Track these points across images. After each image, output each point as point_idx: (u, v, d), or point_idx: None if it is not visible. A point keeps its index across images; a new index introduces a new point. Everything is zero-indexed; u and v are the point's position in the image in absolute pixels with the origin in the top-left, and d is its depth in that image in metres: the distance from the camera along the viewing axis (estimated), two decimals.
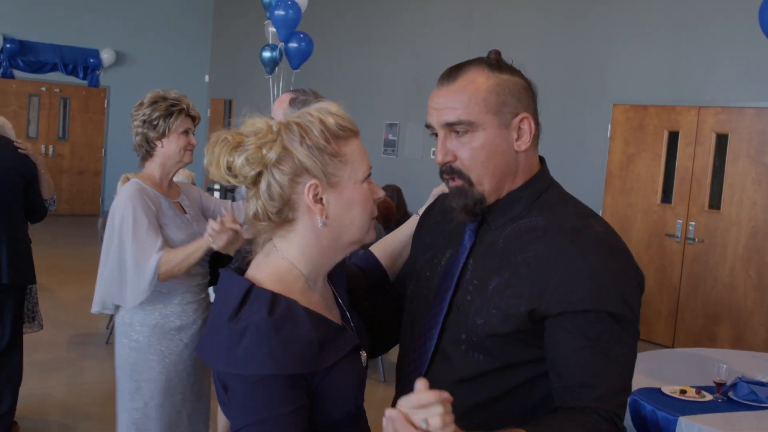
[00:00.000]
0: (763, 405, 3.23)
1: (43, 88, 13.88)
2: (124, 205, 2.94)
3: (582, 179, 7.64)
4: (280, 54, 8.68)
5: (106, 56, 13.86)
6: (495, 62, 1.59)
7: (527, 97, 1.59)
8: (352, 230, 1.51)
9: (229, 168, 1.45)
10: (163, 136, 3.04)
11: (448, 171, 1.61)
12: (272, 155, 1.43)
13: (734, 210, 6.87)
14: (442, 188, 1.88)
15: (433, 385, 1.52)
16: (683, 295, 7.21)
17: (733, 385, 3.33)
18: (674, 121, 7.32)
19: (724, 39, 6.91)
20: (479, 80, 1.56)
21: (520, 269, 1.53)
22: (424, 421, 1.20)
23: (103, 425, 4.89)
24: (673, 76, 7.34)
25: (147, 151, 3.10)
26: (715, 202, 7.07)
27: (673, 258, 7.31)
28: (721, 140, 7.01)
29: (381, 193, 1.55)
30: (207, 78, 15.01)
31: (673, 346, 7.01)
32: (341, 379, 1.45)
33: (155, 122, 3.03)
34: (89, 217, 14.19)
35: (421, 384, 1.23)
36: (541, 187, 1.63)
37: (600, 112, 7.80)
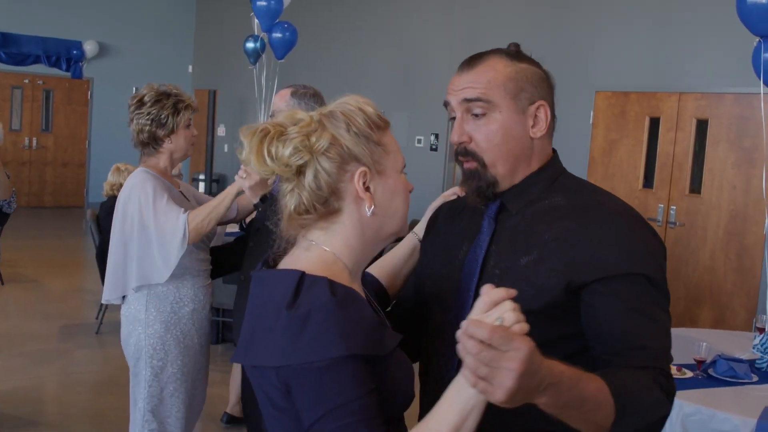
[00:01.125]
0: (741, 381, 3.33)
1: (26, 81, 13.82)
2: (141, 188, 2.97)
3: (565, 165, 7.71)
4: (263, 45, 8.70)
5: (89, 48, 13.81)
6: (514, 52, 1.66)
7: (545, 86, 1.65)
8: (395, 220, 1.49)
9: (273, 157, 1.40)
10: (171, 132, 3.08)
11: (463, 152, 1.64)
12: (323, 143, 1.40)
13: (714, 194, 6.99)
14: (440, 201, 1.93)
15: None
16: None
17: (713, 363, 3.43)
18: (655, 107, 7.42)
19: (704, 26, 7.01)
20: (499, 66, 1.61)
21: (549, 245, 1.55)
22: (498, 319, 1.17)
23: (96, 413, 4.96)
24: (654, 64, 7.43)
25: (153, 147, 3.11)
26: (695, 187, 7.18)
27: None
28: (702, 126, 7.12)
29: (411, 186, 1.56)
30: (191, 69, 14.99)
31: None
32: (398, 369, 1.40)
33: (164, 120, 3.05)
34: (74, 209, 14.19)
35: (488, 287, 1.21)
36: (555, 172, 1.69)
37: (582, 99, 7.89)
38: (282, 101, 3.07)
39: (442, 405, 1.25)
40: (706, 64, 7.02)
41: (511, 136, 1.61)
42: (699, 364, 3.41)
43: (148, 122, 3.05)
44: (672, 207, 7.29)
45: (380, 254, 2.10)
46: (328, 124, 1.42)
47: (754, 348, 3.65)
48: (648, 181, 7.52)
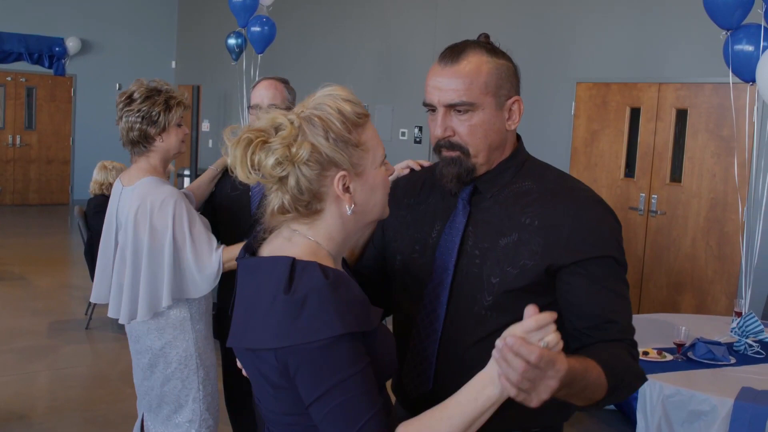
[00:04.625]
0: (719, 363, 3.43)
1: (9, 78, 13.76)
2: (174, 203, 2.83)
3: (548, 156, 7.75)
4: (244, 40, 8.72)
5: (72, 44, 13.76)
6: (491, 46, 1.76)
7: (516, 80, 1.80)
8: (375, 211, 1.59)
9: (256, 167, 1.46)
10: (163, 130, 2.95)
11: (447, 145, 1.75)
12: (303, 153, 1.46)
13: (695, 182, 7.09)
14: (396, 173, 2.01)
15: (449, 349, 1.72)
16: (647, 265, 7.44)
17: (692, 346, 3.53)
18: (636, 97, 7.51)
19: (682, 17, 7.10)
20: (480, 64, 1.72)
21: (528, 228, 1.71)
22: (543, 341, 1.31)
23: (87, 408, 5.00)
24: (634, 55, 7.52)
25: (144, 146, 2.97)
26: (676, 176, 7.28)
27: (637, 230, 7.53)
28: (681, 115, 7.22)
29: (393, 168, 1.67)
30: (173, 65, 14.98)
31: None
32: (383, 341, 1.50)
33: (155, 117, 2.92)
34: (59, 206, 14.16)
35: (533, 309, 1.34)
36: (522, 157, 1.84)
37: (564, 90, 7.97)
38: (279, 94, 3.14)
39: (465, 396, 1.39)
40: (685, 54, 7.12)
41: (492, 130, 1.75)
42: (679, 348, 3.51)
43: (139, 120, 2.92)
44: (653, 196, 7.39)
45: None
46: (308, 130, 1.48)
47: (731, 331, 3.75)
48: (629, 170, 7.62)
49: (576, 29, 8.01)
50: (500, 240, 1.72)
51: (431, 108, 1.76)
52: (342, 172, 1.49)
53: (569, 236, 1.68)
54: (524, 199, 1.75)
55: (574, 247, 1.67)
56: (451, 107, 1.72)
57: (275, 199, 1.51)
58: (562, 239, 1.68)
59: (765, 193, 4.23)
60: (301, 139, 1.47)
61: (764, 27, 4.00)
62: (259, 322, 1.44)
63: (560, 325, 1.64)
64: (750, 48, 4.05)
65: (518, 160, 1.82)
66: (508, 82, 1.76)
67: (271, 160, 1.45)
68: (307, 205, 1.50)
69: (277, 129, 1.48)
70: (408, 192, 1.94)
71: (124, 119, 2.95)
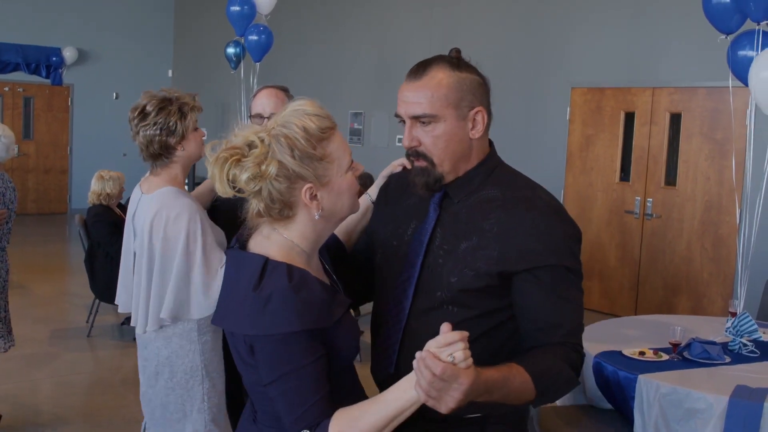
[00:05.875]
0: (714, 362, 3.48)
1: (6, 88, 13.81)
2: (189, 217, 2.80)
3: (544, 161, 7.88)
4: (242, 49, 8.77)
5: (69, 54, 13.83)
6: (456, 60, 1.88)
7: (482, 92, 1.89)
8: (343, 211, 1.78)
9: (233, 182, 1.67)
10: (183, 138, 2.93)
11: (414, 154, 1.90)
12: (272, 170, 1.65)
13: (689, 186, 7.16)
14: (390, 169, 2.22)
15: (411, 339, 1.88)
16: (643, 268, 7.50)
17: (688, 345, 3.57)
18: (630, 102, 7.59)
19: (675, 22, 7.18)
20: (441, 78, 1.85)
21: (486, 234, 1.84)
22: (450, 356, 1.46)
23: (90, 414, 5.04)
24: (628, 60, 7.60)
25: (166, 157, 2.94)
26: (671, 179, 7.35)
27: (632, 234, 7.59)
28: (675, 119, 7.29)
29: (361, 167, 1.83)
30: (170, 73, 15.03)
31: None
32: (345, 331, 1.71)
33: (173, 127, 2.89)
34: (57, 215, 14.19)
35: (446, 327, 1.49)
36: (492, 165, 1.96)
37: (559, 95, 8.04)
38: (280, 103, 3.18)
39: (391, 394, 1.58)
40: (678, 59, 7.19)
41: (454, 140, 1.88)
42: (674, 347, 3.56)
43: (157, 132, 2.87)
44: (648, 199, 7.46)
45: None
46: (276, 148, 1.67)
47: (726, 331, 3.80)
48: (625, 174, 7.69)
49: (570, 35, 8.08)
50: (461, 243, 1.86)
51: (401, 120, 1.91)
52: (308, 185, 1.69)
53: (523, 245, 1.80)
54: (488, 205, 1.88)
55: (526, 256, 1.80)
56: (416, 119, 1.86)
57: (254, 204, 1.72)
58: (516, 247, 1.80)
59: (760, 195, 4.29)
60: (270, 158, 1.66)
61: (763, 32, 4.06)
62: (234, 308, 1.69)
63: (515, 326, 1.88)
64: (753, 53, 4.12)
65: (486, 168, 1.94)
66: (470, 93, 1.86)
67: (244, 176, 1.66)
68: (280, 211, 1.70)
69: (250, 146, 1.67)
70: (397, 188, 2.12)
71: (141, 134, 2.90)
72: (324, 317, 1.65)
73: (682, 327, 3.66)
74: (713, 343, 3.61)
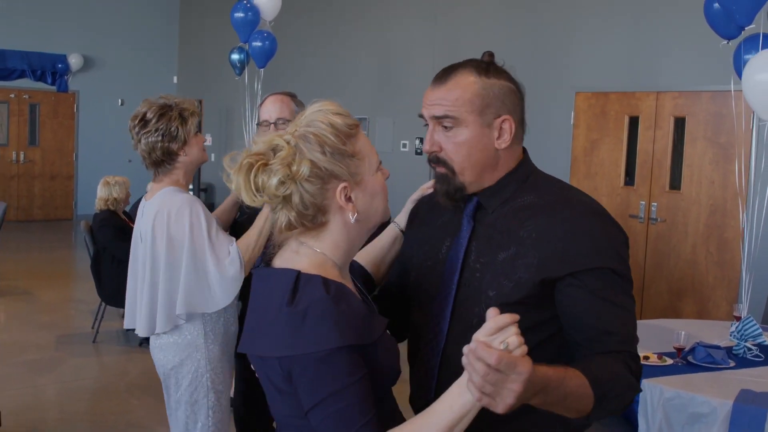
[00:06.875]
0: (719, 366, 3.49)
1: (12, 95, 13.86)
2: (190, 211, 2.81)
3: (548, 165, 7.81)
4: (247, 55, 8.80)
5: (74, 61, 13.88)
6: (485, 65, 1.78)
7: (512, 99, 1.78)
8: (377, 215, 1.64)
9: (261, 190, 1.52)
10: (185, 144, 2.92)
11: (434, 160, 1.80)
12: (304, 169, 1.51)
13: (693, 190, 7.15)
14: (420, 193, 2.08)
15: (451, 362, 1.73)
16: (648, 272, 7.49)
17: (692, 350, 3.58)
18: (634, 106, 7.58)
19: (679, 27, 7.18)
20: (467, 83, 1.75)
21: (525, 242, 1.71)
22: (504, 343, 1.31)
23: (96, 420, 5.06)
24: (632, 64, 7.60)
25: (168, 164, 2.95)
26: (675, 183, 7.34)
27: (637, 238, 7.59)
28: (679, 123, 7.28)
29: (387, 172, 1.70)
30: (175, 79, 15.08)
31: None
32: (385, 351, 1.56)
33: (174, 133, 2.89)
34: (63, 222, 14.23)
35: (493, 312, 1.34)
36: (526, 171, 1.83)
37: (563, 100, 8.04)
38: (287, 108, 3.16)
39: (442, 404, 1.42)
40: (682, 63, 7.19)
41: (477, 148, 1.76)
42: (679, 352, 3.56)
43: (159, 138, 2.88)
44: (653, 203, 7.45)
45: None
46: (304, 148, 1.53)
47: (731, 335, 3.81)
48: (629, 178, 7.68)
49: (574, 40, 8.09)
50: (499, 254, 1.74)
51: (426, 122, 1.82)
52: (343, 184, 1.56)
53: (564, 248, 1.67)
54: (524, 213, 1.75)
55: (568, 259, 1.67)
56: (438, 121, 1.77)
57: (282, 217, 1.56)
58: (557, 251, 1.67)
59: (765, 198, 4.29)
60: (300, 157, 1.52)
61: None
62: (265, 330, 1.53)
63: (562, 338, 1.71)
64: None
65: (520, 174, 1.82)
66: (498, 100, 1.75)
67: (274, 181, 1.51)
68: (313, 218, 1.56)
69: (274, 150, 1.54)
70: (428, 210, 1.99)
71: (143, 141, 2.91)
72: (365, 333, 1.50)
73: (686, 332, 3.67)
74: (717, 347, 3.62)
